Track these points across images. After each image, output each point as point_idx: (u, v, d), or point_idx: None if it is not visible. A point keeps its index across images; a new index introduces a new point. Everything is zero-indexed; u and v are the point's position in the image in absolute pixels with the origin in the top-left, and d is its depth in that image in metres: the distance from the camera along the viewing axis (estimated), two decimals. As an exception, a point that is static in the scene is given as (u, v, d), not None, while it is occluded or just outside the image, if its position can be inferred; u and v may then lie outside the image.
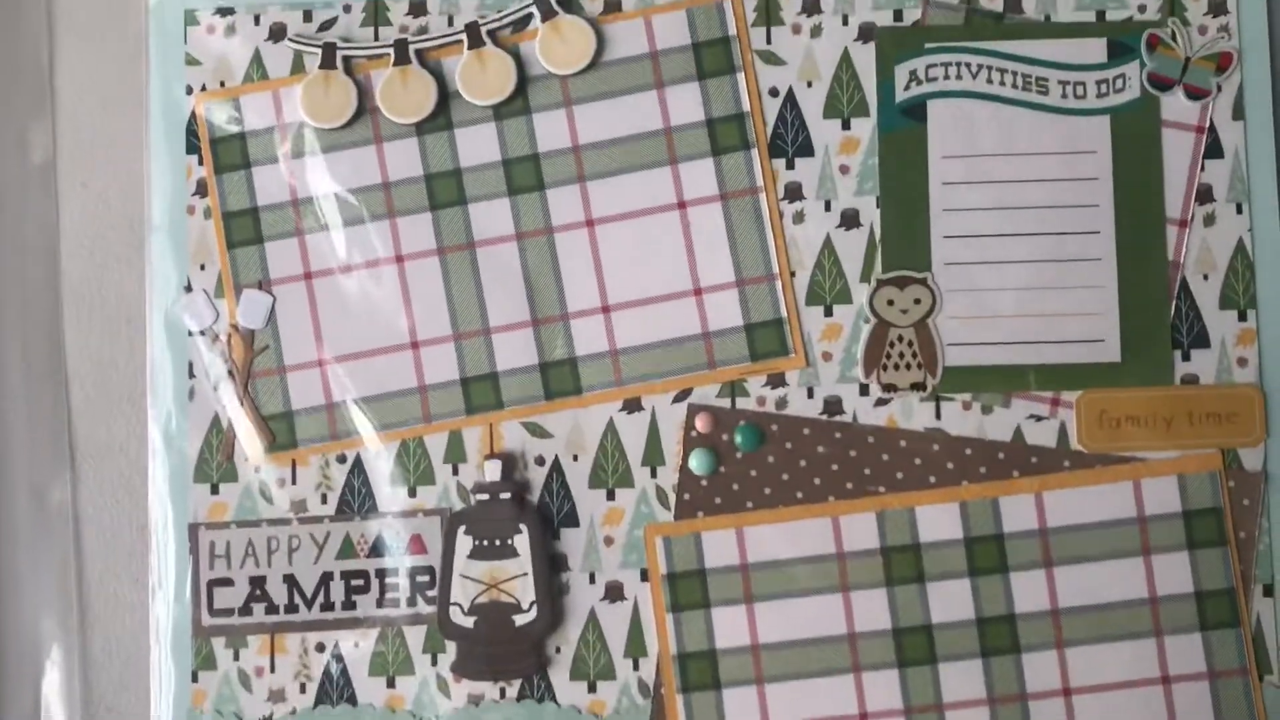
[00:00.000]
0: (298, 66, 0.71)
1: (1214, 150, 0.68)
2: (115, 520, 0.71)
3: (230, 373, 0.70)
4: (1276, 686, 0.67)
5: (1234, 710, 0.67)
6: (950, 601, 0.68)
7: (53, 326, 0.71)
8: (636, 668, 0.68)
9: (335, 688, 0.69)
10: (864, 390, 0.69)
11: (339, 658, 0.69)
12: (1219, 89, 0.68)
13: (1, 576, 0.70)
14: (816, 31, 0.70)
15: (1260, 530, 0.67)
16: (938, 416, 0.68)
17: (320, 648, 0.69)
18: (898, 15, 0.69)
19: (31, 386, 0.71)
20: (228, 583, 0.70)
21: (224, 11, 0.71)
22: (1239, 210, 0.68)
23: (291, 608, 0.69)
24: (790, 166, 0.69)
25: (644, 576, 0.69)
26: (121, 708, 0.71)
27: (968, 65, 0.69)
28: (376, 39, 0.71)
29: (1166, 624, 0.67)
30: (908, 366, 0.69)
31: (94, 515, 0.71)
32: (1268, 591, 0.67)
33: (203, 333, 0.70)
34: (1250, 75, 0.68)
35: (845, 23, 0.70)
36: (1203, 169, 0.68)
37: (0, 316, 0.71)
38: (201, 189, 0.71)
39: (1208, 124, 0.68)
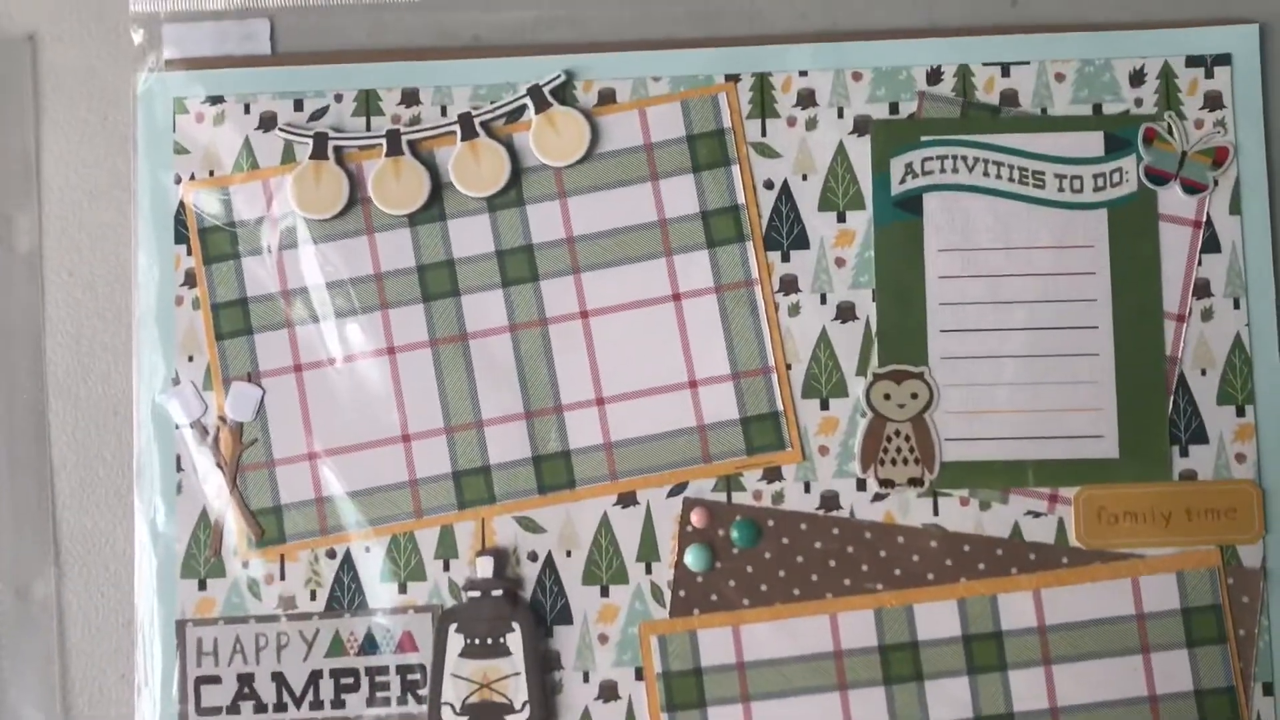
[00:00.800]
0: (288, 156, 0.70)
1: (1211, 245, 0.68)
2: (101, 615, 0.70)
3: (219, 466, 0.69)
4: (1277, 787, 0.66)
5: (1235, 811, 0.66)
6: (949, 700, 0.67)
7: (38, 417, 0.70)
8: (631, 768, 0.68)
9: (324, 788, 0.68)
10: (861, 485, 0.68)
11: (328, 757, 0.68)
12: (1216, 183, 0.68)
13: (-17, 673, 0.69)
14: (812, 124, 0.69)
15: (1260, 628, 0.67)
16: (935, 512, 0.68)
17: (309, 747, 0.68)
18: (894, 108, 0.69)
19: (16, 478, 0.70)
20: (215, 680, 0.68)
21: (214, 100, 0.70)
22: (1236, 305, 0.68)
23: (280, 706, 0.68)
24: (785, 259, 0.69)
25: (639, 675, 0.68)
26: (106, 809, 0.69)
27: (964, 158, 0.69)
28: (368, 129, 0.70)
29: (1166, 723, 0.67)
30: (905, 461, 0.68)
31: (79, 610, 0.70)
32: (1268, 690, 0.67)
33: (191, 425, 0.69)
34: (1247, 170, 0.68)
35: (841, 115, 0.69)
36: (1200, 263, 0.68)
37: (-16, 409, 0.70)
38: (190, 279, 0.70)
39: (1205, 218, 0.68)
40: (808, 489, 0.68)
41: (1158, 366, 0.68)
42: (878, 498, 0.68)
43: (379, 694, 0.68)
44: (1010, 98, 0.69)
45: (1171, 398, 0.68)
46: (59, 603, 0.70)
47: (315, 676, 0.68)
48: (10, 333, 0.71)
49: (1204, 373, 0.68)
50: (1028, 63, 0.69)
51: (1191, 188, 0.68)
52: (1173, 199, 0.68)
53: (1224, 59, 0.69)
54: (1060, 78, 0.69)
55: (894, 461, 0.68)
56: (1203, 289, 0.68)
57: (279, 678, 0.68)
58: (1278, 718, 0.67)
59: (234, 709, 0.68)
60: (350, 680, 0.68)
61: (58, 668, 0.70)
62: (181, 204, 0.70)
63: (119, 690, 0.70)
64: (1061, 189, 0.69)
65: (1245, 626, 0.67)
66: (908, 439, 0.68)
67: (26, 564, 0.70)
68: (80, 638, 0.70)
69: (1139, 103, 0.69)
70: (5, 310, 0.71)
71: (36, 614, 0.70)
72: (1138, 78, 0.69)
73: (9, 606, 0.70)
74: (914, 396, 0.68)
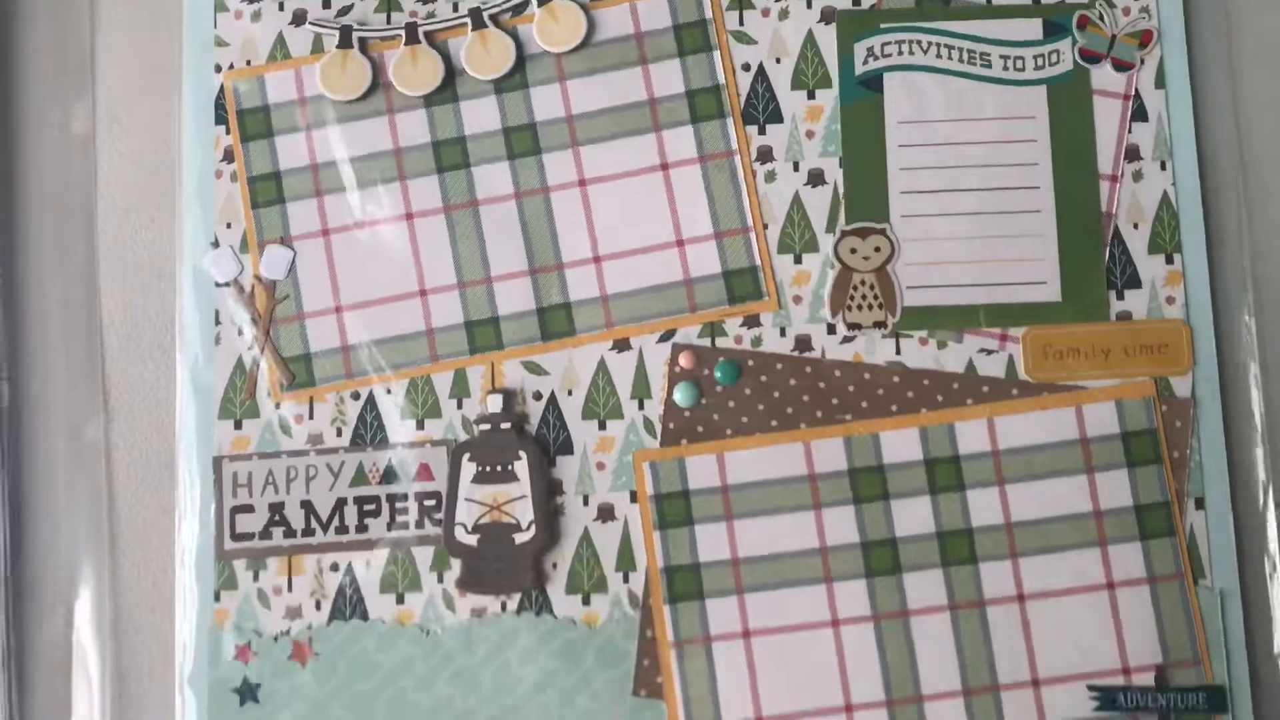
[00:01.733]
0: (317, 47, 0.78)
1: (1140, 115, 0.77)
2: (145, 455, 0.77)
3: (253, 320, 0.77)
4: (1209, 589, 0.73)
5: (1172, 611, 0.73)
6: (913, 517, 0.74)
7: (89, 280, 0.78)
8: (626, 581, 0.74)
9: (348, 604, 0.75)
10: (831, 329, 0.76)
11: (352, 576, 0.75)
12: (1142, 62, 0.77)
13: (39, 507, 0.76)
14: (784, 14, 0.78)
15: (1191, 450, 0.74)
16: (898, 351, 0.76)
17: (335, 568, 0.75)
18: (856, 0, 0.78)
19: (69, 335, 0.77)
20: (249, 509, 0.75)
21: None
22: (1163, 167, 0.76)
23: (308, 531, 0.75)
24: (762, 132, 0.77)
25: (633, 498, 0.75)
26: (148, 628, 0.76)
27: (919, 43, 0.77)
28: (389, 23, 0.79)
29: (1110, 535, 0.73)
30: (870, 307, 0.76)
31: (125, 451, 0.77)
32: (1199, 505, 0.74)
33: (228, 284, 0.77)
34: (1169, 49, 0.77)
35: (809, 6, 0.78)
36: (1130, 131, 0.77)
37: (41, 272, 0.78)
38: (229, 156, 0.78)
39: (1133, 92, 0.77)
40: (783, 333, 0.76)
41: (1095, 221, 0.76)
42: (846, 340, 0.76)
43: (399, 518, 0.75)
44: (959, -10, 0.78)
45: (1107, 248, 0.76)
46: (107, 444, 0.77)
47: (340, 504, 0.75)
48: (66, 207, 0.78)
49: (1136, 226, 0.76)
50: (974, -40, 0.78)
51: (1121, 66, 0.77)
52: (1104, 76, 0.77)
53: (1147, -45, 0.78)
54: (1003, -28, 0.78)
55: (860, 307, 0.76)
56: (1133, 153, 0.76)
57: (307, 505, 0.75)
58: (1209, 529, 0.74)
59: (266, 534, 0.75)
60: (373, 507, 0.75)
61: (105, 503, 0.76)
62: (221, 90, 0.78)
63: (161, 521, 0.76)
64: (1006, 68, 0.77)
65: (1178, 449, 0.74)
66: (872, 287, 0.76)
67: (78, 410, 0.77)
68: (126, 475, 0.77)
69: (1073, -7, 0.78)
70: (62, 187, 0.78)
71: (87, 455, 0.77)
72: (1071, -28, 0.78)
73: (62, 449, 0.77)
74: (877, 250, 0.76)
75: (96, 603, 0.76)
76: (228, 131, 0.78)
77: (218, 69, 0.79)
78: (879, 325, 0.76)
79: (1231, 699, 0.72)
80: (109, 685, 0.75)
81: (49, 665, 0.75)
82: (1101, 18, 0.77)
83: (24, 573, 0.76)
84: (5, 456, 0.76)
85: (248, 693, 0.74)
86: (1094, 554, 0.73)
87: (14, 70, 0.79)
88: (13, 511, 0.76)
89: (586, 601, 0.74)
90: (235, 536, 0.75)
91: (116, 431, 0.77)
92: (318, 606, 0.75)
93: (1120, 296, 0.76)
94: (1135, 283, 0.76)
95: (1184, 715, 0.72)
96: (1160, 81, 0.77)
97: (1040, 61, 0.77)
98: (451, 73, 0.78)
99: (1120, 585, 0.73)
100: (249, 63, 0.79)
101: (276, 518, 0.75)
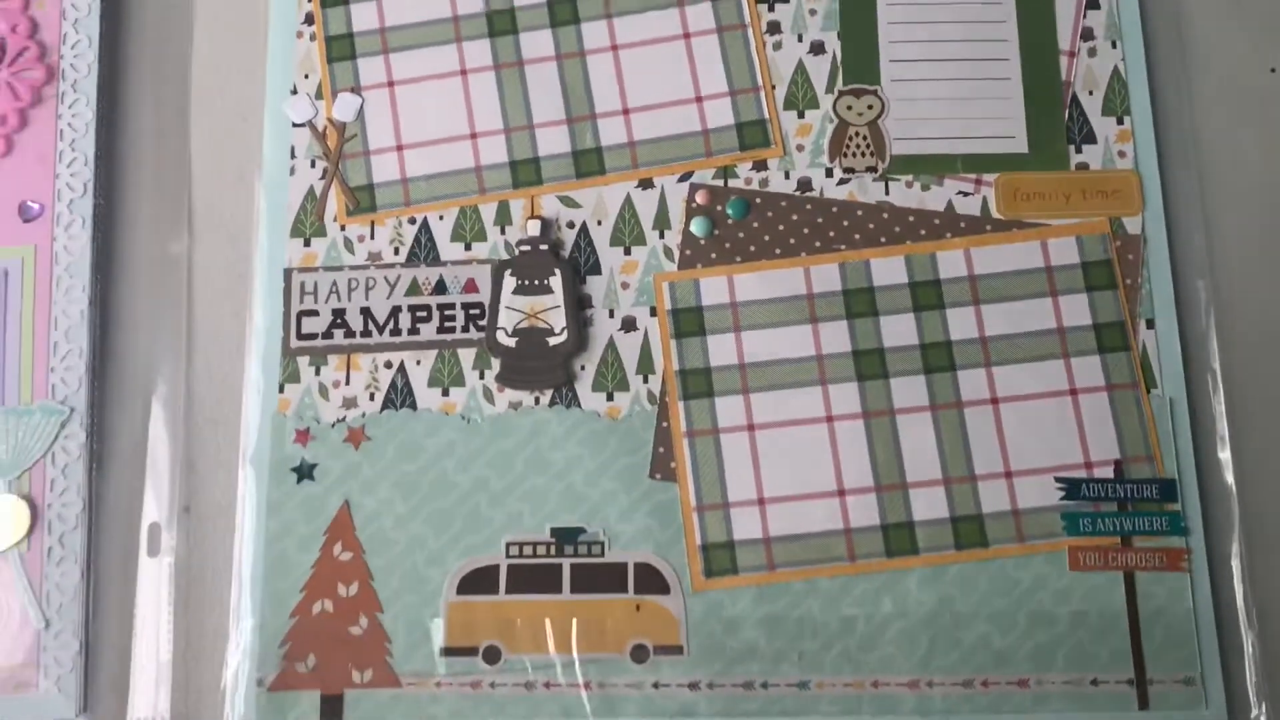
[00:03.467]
0: (388, -67, 0.91)
1: (1093, 3, 0.89)
2: (222, 268, 0.87)
3: (324, 155, 0.88)
4: (1160, 397, 0.83)
5: (1128, 415, 0.83)
6: (899, 331, 0.84)
7: (182, 119, 0.88)
8: (646, 381, 0.84)
9: (399, 396, 0.84)
10: (829, 173, 0.87)
11: (403, 372, 0.84)
12: (1096, -41, 0.90)
13: (124, 311, 0.86)
14: (791, -85, 0.91)
15: (1142, 278, 0.85)
16: (886, 192, 0.87)
17: (388, 365, 0.84)
18: (853, -96, 0.91)
19: (161, 164, 0.88)
20: (313, 314, 0.85)
21: (331, -106, 0.91)
22: (1114, 46, 0.88)
23: (366, 333, 0.85)
24: (771, 9, 0.89)
25: (652, 313, 0.85)
26: (218, 417, 0.85)
27: (907, -60, 0.90)
28: (450, -85, 0.91)
29: (1072, 348, 0.84)
30: (863, 154, 0.87)
31: (205, 266, 0.87)
32: (1149, 324, 0.84)
33: (304, 124, 0.88)
34: (1119, -52, 0.90)
35: (813, -91, 0.91)
36: (1085, 16, 0.89)
37: (140, 110, 0.89)
38: (309, 19, 0.89)
39: (1089, -16, 0.90)
40: (787, 176, 0.87)
41: (1055, 88, 0.88)
42: (842, 182, 0.87)
43: (447, 324, 0.85)
44: (941, -101, 0.91)
45: (1067, 110, 0.88)
46: (190, 259, 0.87)
47: (396, 311, 0.85)
48: (164, 58, 0.89)
49: (1091, 93, 0.88)
50: (954, -125, 0.91)
51: (1079, -36, 0.90)
52: (1064, -30, 0.90)
53: None
54: (978, -114, 0.91)
55: (854, 155, 0.87)
56: (1088, 34, 0.89)
57: (366, 311, 0.85)
58: (1158, 345, 0.84)
59: (328, 335, 0.85)
60: (424, 314, 0.85)
61: (185, 309, 0.86)
62: (303, -35, 0.91)
63: (233, 325, 0.86)
64: (981, -37, 0.90)
65: (1131, 277, 0.85)
66: (865, 139, 0.87)
67: (164, 228, 0.87)
68: (204, 286, 0.87)
69: (1038, -96, 0.91)
70: (162, 41, 0.90)
71: (171, 268, 0.87)
72: (1037, -112, 0.91)
73: (150, 261, 0.87)
74: (870, 107, 0.88)
75: (171, 395, 0.85)
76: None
77: (301, -52, 0.91)
78: (871, 170, 0.87)
79: (1181, 490, 0.82)
80: (179, 468, 0.84)
81: (126, 450, 0.84)
82: (1062, -77, 0.90)
83: (109, 369, 0.85)
84: (98, 267, 0.86)
85: (305, 471, 0.83)
86: (1058, 364, 0.84)
87: (121, -52, 0.91)
88: (102, 315, 0.85)
89: (610, 398, 0.84)
90: (301, 336, 0.85)
91: (198, 249, 0.87)
92: (371, 398, 0.84)
93: (1079, 150, 0.87)
94: (1091, 139, 0.87)
95: (1139, 503, 0.82)
96: (1112, -24, 0.90)
97: (1011, -43, 0.90)
98: (503, -44, 0.90)
99: (1082, 392, 0.83)
100: (328, -56, 0.91)
101: (338, 321, 0.85)
